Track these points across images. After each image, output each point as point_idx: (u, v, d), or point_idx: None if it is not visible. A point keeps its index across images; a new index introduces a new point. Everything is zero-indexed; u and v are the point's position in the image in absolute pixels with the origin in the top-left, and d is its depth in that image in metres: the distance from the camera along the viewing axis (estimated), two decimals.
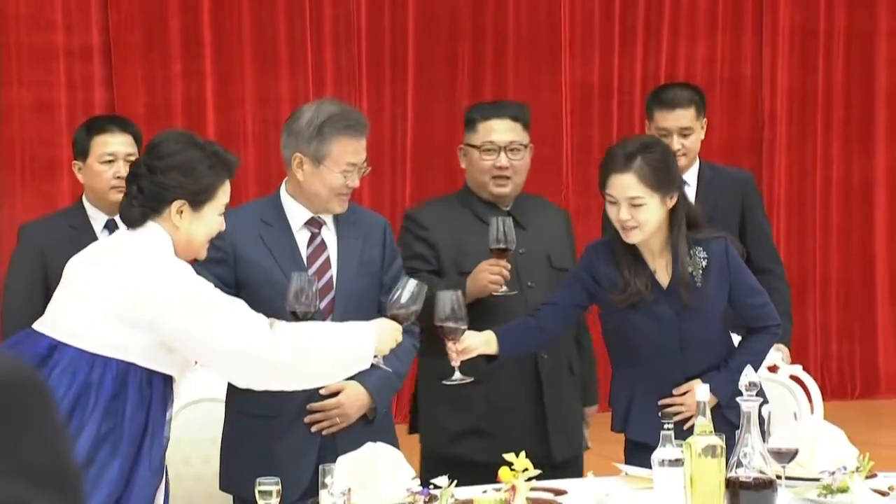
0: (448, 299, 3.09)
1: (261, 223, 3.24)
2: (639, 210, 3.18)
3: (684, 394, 3.24)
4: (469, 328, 3.16)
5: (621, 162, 3.20)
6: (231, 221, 3.20)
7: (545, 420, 3.56)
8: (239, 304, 2.75)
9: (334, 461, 2.75)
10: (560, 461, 3.51)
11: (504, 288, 3.42)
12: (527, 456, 2.81)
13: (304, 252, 3.24)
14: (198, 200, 2.76)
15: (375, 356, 2.86)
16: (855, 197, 7.74)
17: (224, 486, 3.26)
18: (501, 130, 3.59)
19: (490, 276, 3.41)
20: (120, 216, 2.84)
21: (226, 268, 3.18)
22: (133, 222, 2.76)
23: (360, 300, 3.21)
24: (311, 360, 2.77)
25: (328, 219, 3.27)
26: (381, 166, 7.18)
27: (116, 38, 6.73)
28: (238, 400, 3.21)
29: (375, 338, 2.85)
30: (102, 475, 2.60)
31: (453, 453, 3.50)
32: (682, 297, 3.23)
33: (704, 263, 3.25)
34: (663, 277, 3.27)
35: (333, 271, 3.23)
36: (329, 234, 3.27)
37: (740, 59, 7.56)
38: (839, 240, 7.76)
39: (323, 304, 3.17)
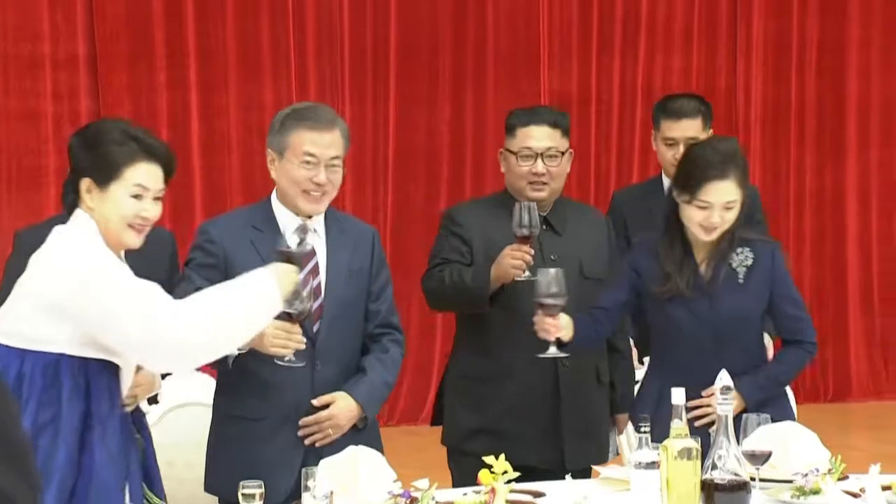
0: (551, 276, 3.20)
1: (252, 229, 3.22)
2: (729, 212, 3.23)
3: (713, 395, 3.21)
4: (493, 326, 3.33)
5: (719, 169, 3.22)
6: (222, 226, 3.20)
7: (560, 427, 3.53)
8: (151, 293, 2.62)
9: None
10: (573, 470, 3.34)
11: (527, 273, 3.36)
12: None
13: None
14: (102, 178, 2.67)
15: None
16: (827, 205, 7.78)
17: (209, 487, 3.25)
18: (539, 137, 3.58)
19: (512, 261, 3.36)
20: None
21: (217, 272, 3.15)
22: (68, 210, 2.73)
23: (348, 307, 3.20)
24: (224, 326, 2.65)
25: (318, 226, 3.25)
26: (363, 174, 7.19)
27: (102, 49, 6.71)
28: (225, 402, 3.20)
29: (276, 281, 2.73)
30: (50, 463, 2.56)
31: (468, 449, 3.49)
32: (720, 291, 3.25)
33: (749, 263, 3.29)
34: (706, 272, 3.30)
35: (322, 277, 3.20)
36: (318, 241, 3.25)
37: (715, 71, 7.59)
38: (812, 247, 7.79)
39: (313, 307, 3.15)
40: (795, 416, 3.38)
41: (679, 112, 4.13)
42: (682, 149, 4.08)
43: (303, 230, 3.22)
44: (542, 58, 7.38)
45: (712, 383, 3.18)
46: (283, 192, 3.21)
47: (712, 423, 3.12)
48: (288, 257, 2.83)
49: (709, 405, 3.21)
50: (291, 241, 3.21)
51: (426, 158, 7.33)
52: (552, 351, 3.24)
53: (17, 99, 6.63)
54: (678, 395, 2.64)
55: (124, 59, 6.75)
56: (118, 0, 6.73)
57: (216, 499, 3.26)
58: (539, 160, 3.55)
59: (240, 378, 3.14)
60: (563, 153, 3.60)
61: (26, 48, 6.62)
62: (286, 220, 3.22)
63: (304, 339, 2.99)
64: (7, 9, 6.60)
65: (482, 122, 7.34)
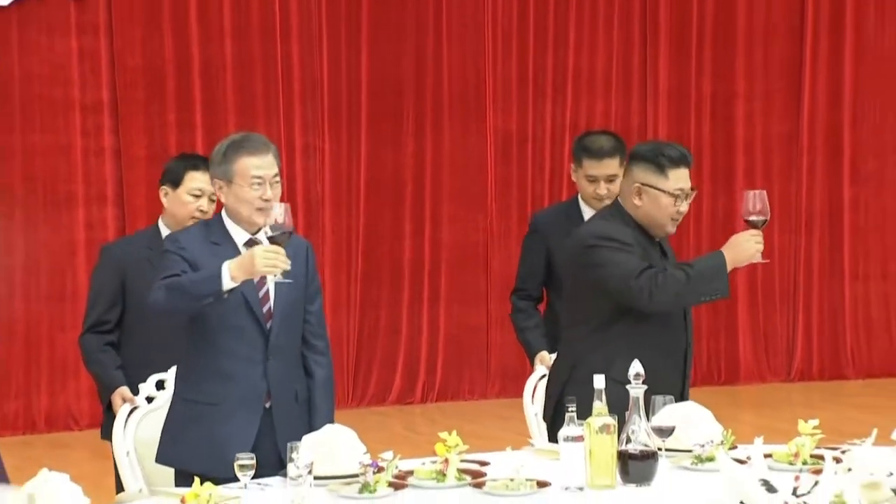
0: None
1: (210, 244, 3.05)
2: None
3: None
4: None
5: None
6: (184, 240, 3.05)
7: None
8: None
9: (273, 443, 2.83)
10: None
11: (758, 257, 3.18)
12: None
13: None
14: None
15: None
16: (719, 225, 7.86)
17: (163, 458, 3.06)
18: (685, 179, 3.25)
19: (756, 244, 3.18)
20: None
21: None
22: None
23: (292, 309, 3.09)
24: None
25: (263, 240, 3.03)
26: (339, 199, 7.19)
27: (122, 94, 6.69)
28: (186, 388, 3.07)
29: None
30: None
31: None
32: None
33: None
34: None
35: (270, 284, 3.05)
36: None
37: (629, 113, 7.66)
38: None
39: (265, 309, 3.05)
40: None
41: (599, 152, 4.00)
42: (602, 185, 3.98)
43: (253, 243, 3.04)
44: (487, 102, 7.43)
45: None
46: (235, 212, 3.05)
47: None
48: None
49: None
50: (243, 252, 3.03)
51: (393, 187, 7.34)
52: None
53: (52, 135, 6.59)
54: (599, 381, 2.64)
55: (141, 104, 6.72)
56: (136, 54, 6.71)
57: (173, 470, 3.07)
58: (685, 201, 3.27)
59: (200, 367, 3.03)
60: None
61: (60, 93, 6.58)
62: (237, 235, 3.07)
63: (289, 261, 2.87)
64: (43, 61, 6.57)
65: (439, 155, 7.37)
